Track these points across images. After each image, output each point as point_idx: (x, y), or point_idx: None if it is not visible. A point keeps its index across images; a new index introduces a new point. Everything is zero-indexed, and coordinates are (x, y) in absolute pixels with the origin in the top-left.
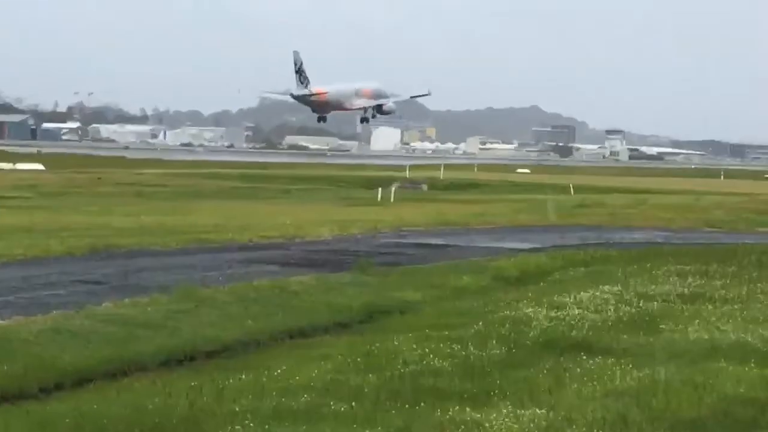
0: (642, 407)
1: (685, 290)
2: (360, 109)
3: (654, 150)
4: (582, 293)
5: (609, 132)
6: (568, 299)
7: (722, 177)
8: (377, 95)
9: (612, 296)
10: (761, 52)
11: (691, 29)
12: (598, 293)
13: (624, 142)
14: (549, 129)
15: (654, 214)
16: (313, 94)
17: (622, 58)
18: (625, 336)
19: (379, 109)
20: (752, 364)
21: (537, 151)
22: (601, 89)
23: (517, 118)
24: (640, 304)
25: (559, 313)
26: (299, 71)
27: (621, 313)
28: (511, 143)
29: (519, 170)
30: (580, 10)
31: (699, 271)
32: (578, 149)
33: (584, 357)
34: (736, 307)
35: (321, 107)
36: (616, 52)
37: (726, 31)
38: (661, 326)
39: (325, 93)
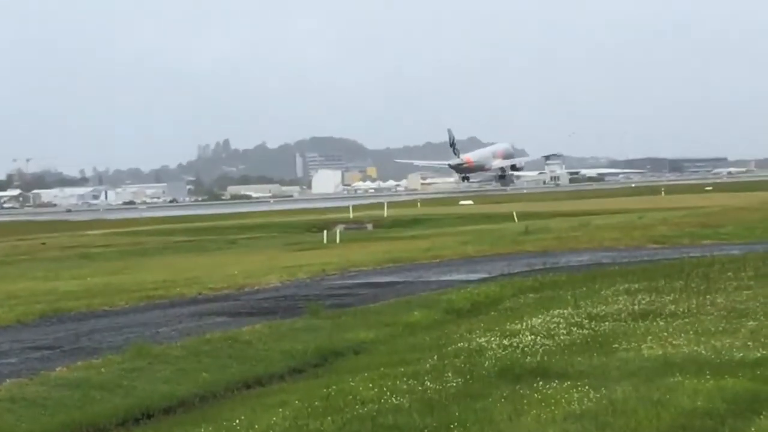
0: (602, 428)
1: (636, 308)
2: (498, 168)
3: (594, 172)
4: (534, 319)
5: (548, 157)
6: (520, 326)
7: (663, 193)
8: (508, 155)
9: (563, 320)
10: (691, 69)
11: (621, 51)
12: (549, 318)
13: (563, 166)
14: None
15: (599, 235)
16: (464, 163)
17: (555, 84)
18: (579, 358)
19: (513, 167)
20: (707, 376)
21: (478, 181)
22: (538, 116)
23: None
24: (592, 326)
25: (512, 341)
26: (452, 145)
27: (574, 336)
28: (452, 176)
29: (462, 202)
30: (513, 41)
31: (648, 288)
32: (519, 177)
33: (541, 382)
34: (686, 321)
35: (469, 171)
36: (548, 76)
37: (655, 50)
38: (614, 346)
39: (472, 160)
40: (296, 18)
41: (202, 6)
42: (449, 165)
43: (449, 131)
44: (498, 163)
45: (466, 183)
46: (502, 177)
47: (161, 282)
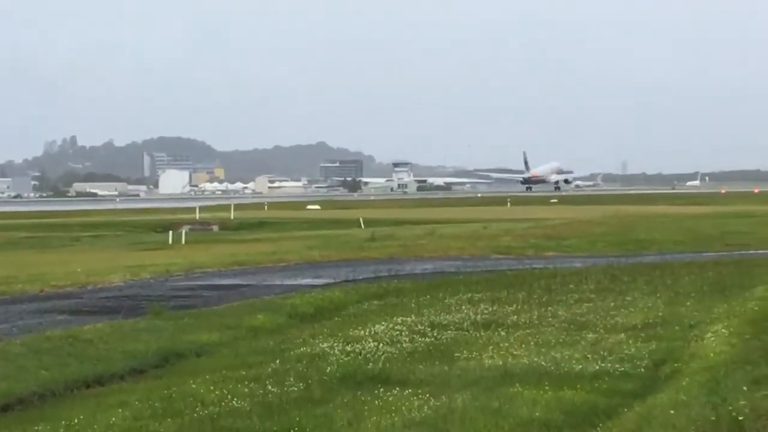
0: None
1: (478, 318)
2: (557, 181)
3: (441, 180)
4: (377, 326)
5: (396, 165)
6: (363, 332)
7: (509, 204)
8: (560, 171)
9: (406, 327)
10: (540, 79)
11: (466, 61)
12: (392, 325)
13: (411, 174)
14: (337, 164)
15: (444, 244)
16: (533, 176)
17: (405, 91)
18: (421, 366)
19: (566, 180)
20: (546, 387)
21: (326, 187)
22: (387, 123)
23: (305, 155)
24: (435, 334)
25: (355, 347)
26: (525, 162)
27: (416, 344)
28: (300, 180)
29: (309, 207)
30: (363, 44)
31: (491, 298)
32: (366, 183)
33: (381, 389)
34: (528, 331)
35: (535, 183)
36: (399, 86)
37: (503, 62)
38: (456, 354)
39: (538, 175)
40: (148, 16)
41: (52, 2)
42: (523, 178)
43: (524, 153)
44: (555, 177)
45: (313, 188)
46: (558, 188)
47: (3, 278)
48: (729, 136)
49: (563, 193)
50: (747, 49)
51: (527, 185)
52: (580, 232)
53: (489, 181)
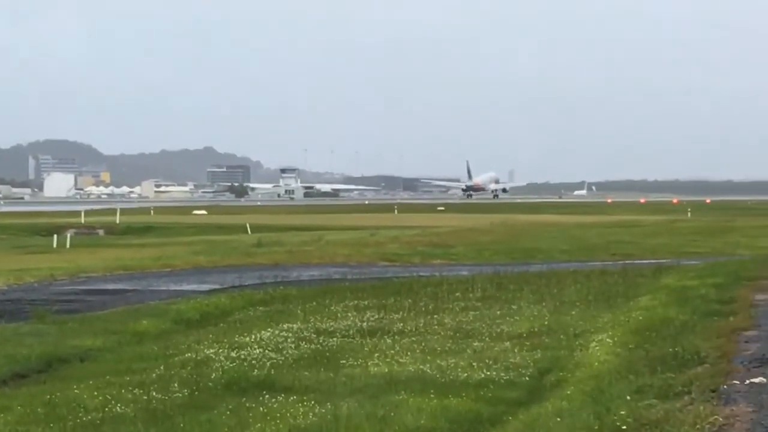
0: None
1: (364, 325)
2: (495, 189)
3: (328, 187)
4: (263, 332)
5: (283, 170)
6: (249, 339)
7: (396, 211)
8: (497, 180)
9: (292, 334)
10: (421, 90)
11: (361, 69)
12: (278, 331)
13: (299, 180)
14: (224, 169)
15: (331, 251)
16: (474, 185)
17: (294, 98)
18: (306, 373)
19: (504, 190)
20: (431, 395)
21: (212, 192)
22: (274, 129)
23: (192, 159)
24: (321, 341)
25: (240, 353)
26: (468, 171)
27: (302, 351)
28: (186, 185)
29: (195, 212)
30: (251, 48)
31: (377, 305)
32: (254, 189)
33: (267, 396)
34: (414, 339)
35: (476, 191)
36: (287, 92)
37: (389, 74)
38: (341, 362)
39: (479, 183)
40: (41, 16)
41: None
42: (465, 186)
43: (467, 162)
44: (494, 185)
45: (200, 192)
46: (496, 196)
47: None
48: (616, 146)
49: (450, 201)
50: (638, 62)
51: (468, 193)
52: (467, 240)
53: (376, 188)
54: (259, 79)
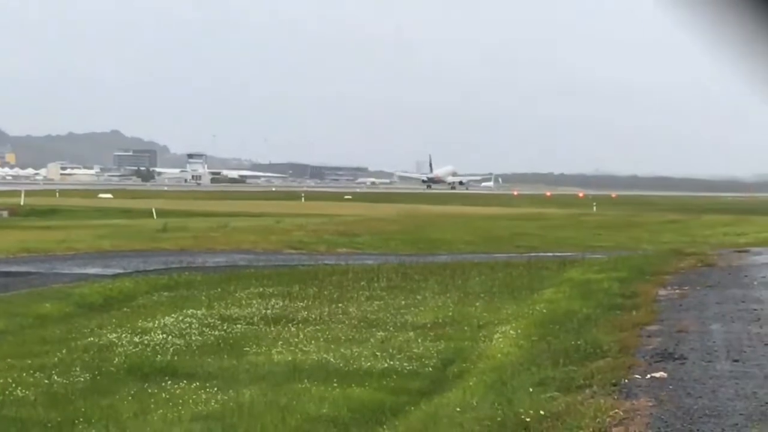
0: (227, 430)
1: (269, 312)
2: (452, 182)
3: (236, 173)
4: (167, 318)
5: (191, 156)
6: (152, 324)
7: (303, 199)
8: (455, 173)
9: (196, 320)
10: (331, 79)
11: (270, 56)
12: (182, 317)
13: (206, 166)
14: (130, 153)
15: (237, 237)
16: (435, 177)
17: (202, 84)
18: (209, 359)
19: (461, 182)
20: (334, 384)
21: (119, 176)
22: (183, 114)
23: (99, 142)
24: (225, 328)
25: (143, 339)
26: (430, 164)
27: (205, 337)
28: (93, 168)
29: (101, 195)
30: (160, 32)
31: (282, 293)
32: (160, 173)
33: (169, 382)
34: (318, 327)
35: (435, 183)
36: (196, 77)
37: (298, 62)
38: (245, 349)
39: (439, 176)
40: None
41: None
42: (426, 177)
43: (430, 156)
44: (452, 178)
45: (106, 176)
46: (453, 188)
47: None
48: (523, 139)
49: (358, 191)
50: (529, 57)
51: (428, 184)
52: (373, 229)
53: (284, 175)
54: (168, 63)
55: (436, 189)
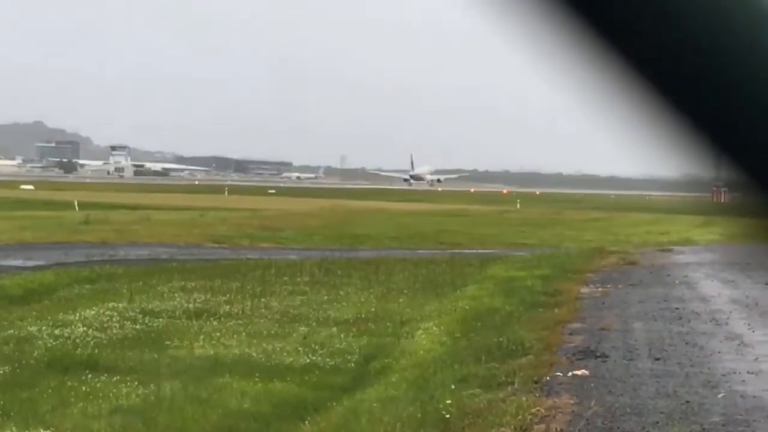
0: (147, 424)
1: (191, 306)
2: (432, 179)
3: (159, 166)
4: (88, 311)
5: (114, 148)
6: (73, 317)
7: (227, 193)
8: (436, 172)
9: (118, 313)
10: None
11: (196, 47)
12: (103, 310)
13: (129, 158)
14: (53, 145)
15: (160, 231)
16: (416, 175)
17: (127, 76)
18: (130, 353)
19: (438, 180)
20: (256, 379)
21: (41, 167)
22: (106, 106)
23: (21, 133)
24: (146, 321)
25: (64, 332)
26: (412, 162)
27: (126, 330)
28: (14, 159)
29: (22, 186)
30: (81, 20)
31: (204, 287)
32: (83, 165)
33: (90, 375)
34: (240, 322)
35: (416, 180)
36: (121, 69)
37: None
38: (166, 342)
39: (420, 174)
40: None
41: None
42: (409, 175)
43: (411, 155)
44: (430, 177)
45: (28, 167)
46: (433, 184)
47: None
48: (449, 135)
49: (282, 185)
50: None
51: (409, 181)
52: (296, 224)
53: (207, 168)
54: (93, 54)
55: (416, 185)
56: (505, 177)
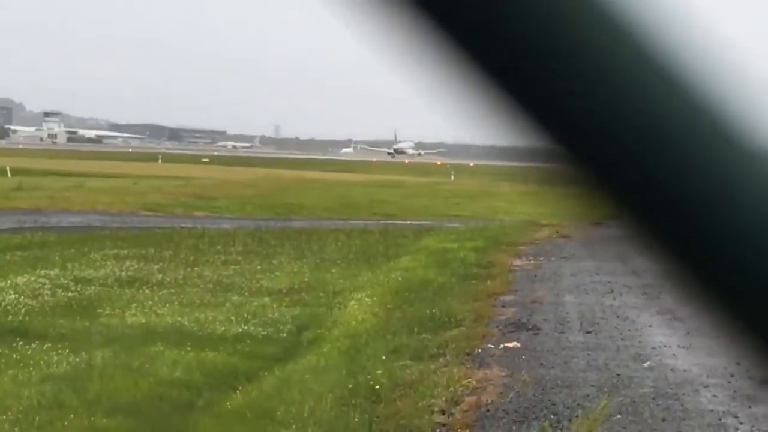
0: (78, 392)
1: (123, 274)
2: (413, 153)
3: (92, 133)
4: (19, 278)
5: (47, 114)
6: (4, 284)
7: (160, 161)
8: (418, 147)
9: (49, 281)
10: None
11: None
12: (35, 278)
13: (62, 125)
14: None
15: (92, 198)
16: (399, 149)
17: (62, 39)
18: (62, 321)
19: (419, 154)
20: (188, 348)
21: None
22: (39, 70)
23: None
24: (78, 289)
25: None
26: (395, 136)
27: (58, 298)
28: None
29: None
30: None
31: (137, 255)
32: (15, 131)
33: (20, 342)
34: (173, 291)
35: (399, 154)
36: (55, 32)
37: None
38: (98, 311)
39: (403, 148)
40: None
41: None
42: (393, 149)
43: (395, 131)
44: (412, 151)
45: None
46: (412, 158)
47: None
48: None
49: (216, 154)
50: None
51: (392, 155)
52: (230, 193)
53: (141, 136)
54: (26, 17)
55: (399, 158)
56: (440, 148)
